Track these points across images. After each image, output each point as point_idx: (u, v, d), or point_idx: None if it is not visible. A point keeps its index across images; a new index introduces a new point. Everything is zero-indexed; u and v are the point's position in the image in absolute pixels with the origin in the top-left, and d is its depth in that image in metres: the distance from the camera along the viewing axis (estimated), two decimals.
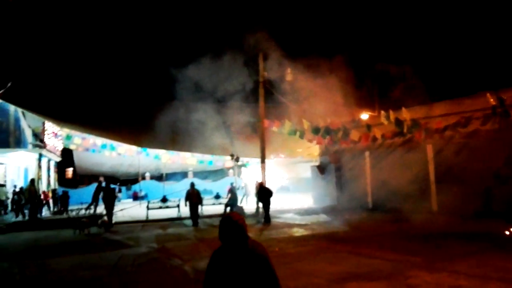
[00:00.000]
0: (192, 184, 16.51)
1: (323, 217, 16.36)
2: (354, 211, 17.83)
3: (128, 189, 40.12)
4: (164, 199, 18.88)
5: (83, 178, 45.25)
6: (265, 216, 15.58)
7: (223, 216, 2.93)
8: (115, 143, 28.48)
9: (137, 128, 22.71)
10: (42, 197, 23.06)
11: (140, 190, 36.97)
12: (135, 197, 36.18)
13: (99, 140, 30.48)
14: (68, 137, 28.88)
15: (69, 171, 47.62)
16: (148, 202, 18.66)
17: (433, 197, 15.80)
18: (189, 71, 21.82)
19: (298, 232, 12.49)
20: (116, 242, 11.67)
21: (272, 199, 16.10)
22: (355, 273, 6.96)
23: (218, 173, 43.16)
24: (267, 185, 16.50)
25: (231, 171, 42.28)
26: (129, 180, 41.28)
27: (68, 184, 41.46)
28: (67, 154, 36.26)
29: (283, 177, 38.26)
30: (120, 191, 37.80)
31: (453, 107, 15.39)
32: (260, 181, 18.96)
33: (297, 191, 34.21)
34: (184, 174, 43.37)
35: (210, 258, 2.87)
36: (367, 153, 18.40)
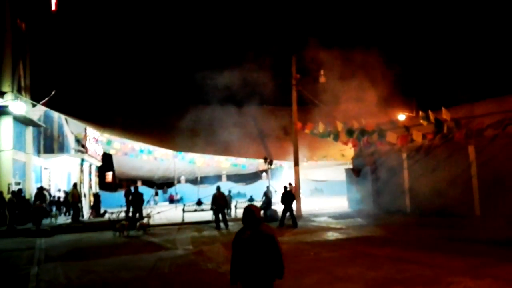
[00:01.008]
0: (218, 188, 16.66)
1: (358, 221, 16.03)
2: (391, 215, 17.37)
3: (165, 192, 41.15)
4: (199, 202, 19.17)
5: (122, 181, 46.70)
6: (292, 221, 15.52)
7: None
8: (152, 147, 29.27)
9: (173, 132, 23.23)
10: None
11: (176, 194, 37.77)
12: (171, 200, 36.98)
13: (137, 145, 31.46)
14: (108, 142, 29.99)
15: (109, 175, 49.34)
16: (184, 205, 19.01)
17: (476, 201, 15.10)
18: (222, 74, 22.17)
19: (333, 236, 12.30)
20: (154, 244, 11.96)
21: (300, 203, 15.79)
22: (394, 278, 6.76)
23: (252, 177, 43.31)
24: (289, 190, 16.35)
25: (264, 174, 42.39)
26: (166, 184, 42.25)
27: (107, 187, 43.02)
28: (107, 159, 37.71)
29: (317, 180, 37.94)
30: (157, 194, 38.87)
31: (496, 105, 14.67)
32: (288, 184, 18.89)
33: (332, 194, 33.77)
34: (218, 178, 43.85)
35: (235, 235, 4.05)
36: (404, 155, 17.84)
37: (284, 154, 24.73)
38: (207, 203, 19.49)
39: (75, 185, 19.92)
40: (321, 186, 38.51)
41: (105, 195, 30.09)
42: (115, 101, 22.58)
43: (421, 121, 12.82)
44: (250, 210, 4.04)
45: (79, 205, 19.34)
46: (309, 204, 27.40)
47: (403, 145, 15.21)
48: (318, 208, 22.75)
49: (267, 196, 18.18)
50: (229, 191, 21.54)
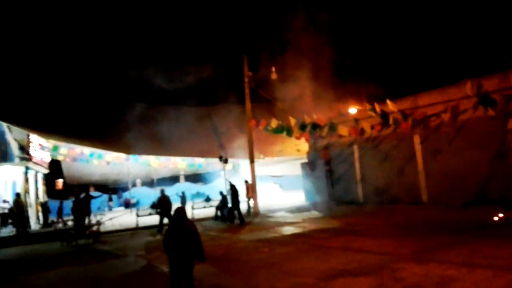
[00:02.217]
0: (162, 191, 16.28)
1: (314, 214, 16.27)
2: (345, 206, 17.81)
3: (119, 197, 39.63)
4: (153, 205, 18.62)
5: (73, 188, 44.60)
6: (239, 218, 15.63)
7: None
8: (102, 151, 28.13)
9: (123, 134, 22.42)
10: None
11: (132, 197, 36.63)
12: (127, 204, 35.80)
13: (86, 150, 30.12)
14: (55, 148, 28.47)
15: (59, 182, 47.00)
16: (137, 209, 18.40)
17: (422, 188, 15.80)
18: (174, 74, 21.65)
19: (288, 230, 12.36)
20: (104, 253, 11.43)
21: (257, 200, 15.77)
22: (344, 269, 6.84)
23: (210, 176, 42.86)
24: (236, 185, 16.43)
25: (222, 173, 42.16)
26: (120, 188, 40.86)
27: (58, 195, 40.93)
28: (55, 166, 35.83)
29: (276, 176, 38.23)
30: (111, 199, 37.41)
31: (439, 96, 15.39)
32: (244, 182, 18.90)
33: (290, 189, 34.20)
34: (175, 179, 43.07)
35: (166, 230, 5.44)
36: (355, 147, 18.34)
37: (241, 151, 24.66)
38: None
39: (17, 194, 18.71)
40: (280, 181, 38.90)
41: (55, 203, 28.70)
42: (58, 104, 21.39)
43: (368, 112, 13.18)
44: (179, 210, 5.47)
45: (25, 215, 18.16)
46: (268, 200, 27.59)
47: (353, 137, 15.60)
48: (276, 203, 22.90)
49: (223, 195, 17.99)
50: (183, 193, 21.19)
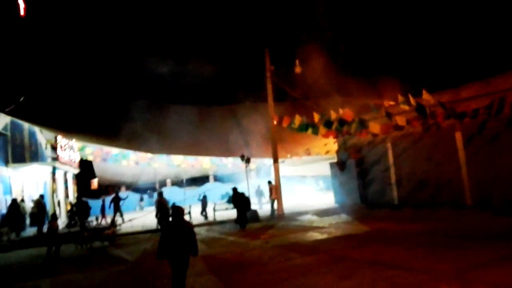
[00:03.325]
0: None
1: (343, 218, 14.97)
2: (378, 209, 16.38)
3: (151, 196, 39.66)
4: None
5: (108, 188, 45.21)
6: (241, 221, 14.84)
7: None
8: (128, 151, 27.98)
9: (145, 134, 21.99)
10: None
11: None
12: (174, 203, 35.70)
13: (114, 150, 30.20)
14: (82, 148, 28.68)
15: (95, 182, 47.94)
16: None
17: (466, 190, 14.14)
18: (196, 73, 20.97)
19: (312, 236, 11.20)
20: (113, 258, 10.76)
21: (282, 201, 14.76)
22: None
23: (240, 176, 42.09)
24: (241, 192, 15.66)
25: (253, 173, 41.30)
26: (151, 188, 40.92)
27: (94, 195, 41.63)
28: (87, 166, 36.36)
29: (306, 176, 36.87)
30: (142, 199, 37.53)
31: (483, 87, 13.72)
32: (268, 182, 17.88)
33: (320, 189, 32.80)
34: (205, 179, 42.71)
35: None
36: (388, 145, 16.84)
37: (268, 151, 23.65)
38: (185, 206, 18.34)
39: (41, 196, 18.64)
40: (311, 181, 37.51)
41: (96, 202, 29.08)
42: (82, 105, 21.25)
43: (401, 106, 11.78)
44: (177, 209, 5.85)
45: (45, 216, 18.04)
46: (296, 201, 26.42)
47: (386, 134, 14.16)
48: (305, 205, 21.71)
49: (245, 197, 17.03)
50: (204, 196, 20.40)
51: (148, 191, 39.92)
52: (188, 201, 30.06)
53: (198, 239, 13.58)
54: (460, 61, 15.74)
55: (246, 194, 17.66)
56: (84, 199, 28.20)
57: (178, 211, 5.78)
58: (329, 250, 8.89)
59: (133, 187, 40.99)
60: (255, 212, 16.69)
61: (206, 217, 19.45)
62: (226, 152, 26.23)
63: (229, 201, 19.51)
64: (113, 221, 16.15)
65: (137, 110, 21.99)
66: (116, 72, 20.35)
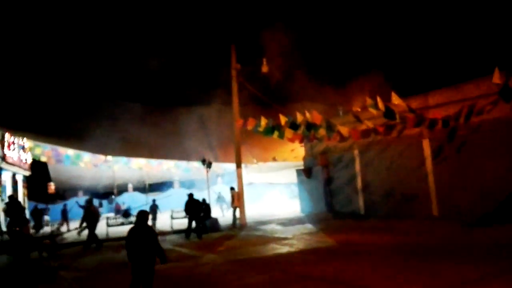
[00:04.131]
0: (90, 201, 14.32)
1: (307, 228, 14.13)
2: (344, 219, 15.68)
3: (110, 202, 37.53)
4: (126, 214, 16.62)
5: (65, 192, 42.67)
6: (197, 231, 13.99)
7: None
8: (84, 152, 26.19)
9: (101, 135, 20.48)
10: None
11: (123, 203, 34.67)
12: (118, 211, 33.86)
13: (70, 151, 28.31)
14: (34, 148, 26.63)
15: (52, 185, 45.24)
16: (107, 218, 16.34)
17: (433, 201, 13.65)
18: (158, 71, 19.76)
19: (272, 250, 10.24)
20: (41, 273, 9.36)
21: (244, 209, 13.77)
22: None
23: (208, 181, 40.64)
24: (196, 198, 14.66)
25: (219, 178, 40.06)
26: (111, 193, 38.85)
27: (52, 199, 39.08)
28: (40, 168, 34.02)
29: (274, 183, 36.05)
30: (101, 205, 35.43)
31: (453, 94, 13.33)
32: (230, 189, 16.87)
33: (288, 197, 32.01)
34: (170, 184, 41.04)
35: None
36: (356, 152, 16.22)
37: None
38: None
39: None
40: (279, 189, 36.72)
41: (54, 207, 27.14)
42: (34, 102, 19.54)
43: (370, 109, 11.13)
44: (142, 213, 5.83)
45: None
46: (261, 209, 25.47)
47: (354, 140, 13.47)
48: (270, 213, 20.79)
49: (205, 204, 15.93)
50: (153, 201, 19.16)
51: (111, 196, 37.86)
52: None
53: None
54: (429, 66, 15.42)
55: (207, 201, 16.57)
56: (40, 205, 26.28)
57: (143, 215, 5.77)
58: (288, 266, 7.94)
59: (91, 192, 38.89)
60: (215, 220, 15.59)
61: (154, 225, 18.24)
62: (190, 156, 25.02)
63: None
64: (58, 229, 14.65)
65: (94, 109, 20.49)
66: (72, 69, 18.87)
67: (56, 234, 13.52)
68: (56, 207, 28.15)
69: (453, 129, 12.82)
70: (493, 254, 7.49)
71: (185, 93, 21.06)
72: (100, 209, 34.85)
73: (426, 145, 13.86)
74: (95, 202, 35.07)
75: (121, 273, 8.79)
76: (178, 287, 7.01)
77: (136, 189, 39.63)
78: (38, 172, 35.16)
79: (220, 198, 23.10)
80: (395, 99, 10.45)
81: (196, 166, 35.19)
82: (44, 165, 33.29)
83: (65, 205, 23.14)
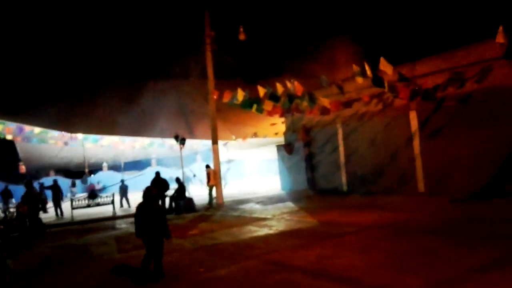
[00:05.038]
0: (30, 182, 12.86)
1: (288, 206, 13.29)
2: (326, 196, 14.92)
3: (84, 182, 35.94)
4: (92, 195, 15.40)
5: (39, 172, 40.75)
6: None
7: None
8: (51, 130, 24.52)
9: (68, 110, 18.92)
10: None
11: (98, 183, 33.27)
12: (92, 191, 32.48)
13: (37, 128, 26.52)
14: None
15: (23, 166, 43.23)
16: (72, 199, 15.10)
17: (418, 176, 12.95)
18: (131, 41, 18.15)
19: (249, 232, 9.32)
20: None
21: (221, 188, 12.87)
22: None
23: (187, 158, 39.41)
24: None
25: (198, 156, 38.87)
26: (84, 172, 37.20)
27: (22, 179, 37.18)
28: (7, 146, 32.15)
29: (252, 160, 35.16)
30: (74, 185, 33.95)
31: (442, 62, 12.44)
32: (206, 166, 15.86)
33: (267, 175, 31.22)
34: (147, 163, 39.64)
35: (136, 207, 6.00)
36: (338, 126, 15.32)
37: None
38: (107, 195, 15.90)
39: None
40: (258, 166, 35.89)
41: (18, 189, 25.42)
42: None
43: (356, 78, 10.14)
44: (149, 190, 6.01)
45: None
46: (240, 187, 24.64)
47: (335, 111, 12.51)
48: (248, 192, 19.93)
49: (179, 182, 14.88)
50: (122, 181, 18.08)
51: (84, 176, 36.24)
52: (131, 187, 27.35)
53: (113, 235, 11.44)
54: (416, 32, 14.41)
55: (181, 180, 15.51)
56: (11, 186, 24.61)
57: (149, 192, 5.94)
58: (266, 253, 7.01)
59: (64, 171, 37.25)
60: (189, 200, 14.57)
61: (122, 205, 17.21)
62: (164, 133, 23.69)
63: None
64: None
65: (61, 84, 18.82)
66: (35, 40, 17.09)
67: (10, 218, 12.20)
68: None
69: (442, 100, 12.04)
70: (494, 234, 6.74)
71: (158, 66, 19.60)
72: (73, 189, 33.47)
73: (413, 117, 13.02)
74: (67, 181, 33.75)
75: (75, 263, 7.76)
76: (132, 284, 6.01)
77: (111, 168, 38.19)
78: (4, 151, 33.26)
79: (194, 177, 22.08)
80: (384, 65, 9.44)
81: (173, 143, 33.91)
82: (11, 144, 31.45)
83: (41, 185, 21.58)
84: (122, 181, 17.96)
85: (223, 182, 23.34)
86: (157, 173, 13.85)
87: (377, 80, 10.03)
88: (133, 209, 15.99)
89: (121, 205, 17.37)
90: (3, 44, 15.92)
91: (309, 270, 5.66)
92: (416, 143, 13.02)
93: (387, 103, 13.34)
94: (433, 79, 12.25)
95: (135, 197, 16.77)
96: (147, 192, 5.93)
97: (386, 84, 10.16)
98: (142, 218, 5.80)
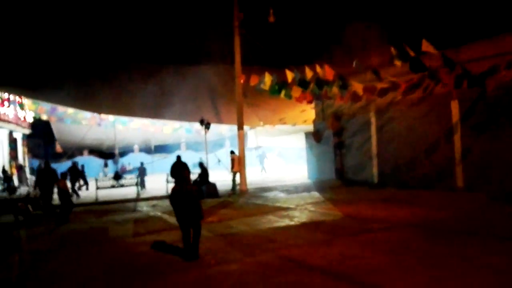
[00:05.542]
0: (46, 163, 12.45)
1: (314, 196, 12.70)
2: (355, 187, 14.19)
3: (116, 162, 36.65)
4: (116, 176, 15.38)
5: (74, 151, 41.97)
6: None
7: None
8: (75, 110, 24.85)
9: (96, 91, 18.99)
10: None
11: (129, 164, 33.86)
12: (123, 171, 33.12)
13: (71, 109, 27.06)
14: (32, 106, 25.47)
15: (59, 145, 44.69)
16: (96, 180, 15.13)
17: (458, 170, 11.98)
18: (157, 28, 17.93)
19: (269, 222, 8.83)
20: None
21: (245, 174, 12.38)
22: None
23: (214, 144, 39.34)
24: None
25: (227, 141, 38.66)
26: (118, 154, 37.87)
27: (60, 158, 38.49)
28: (43, 126, 33.18)
29: (283, 147, 34.52)
30: (106, 165, 34.72)
31: (489, 47, 11.29)
32: (230, 152, 15.40)
33: (296, 162, 30.56)
34: (177, 146, 39.92)
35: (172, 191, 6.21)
36: (372, 114, 14.44)
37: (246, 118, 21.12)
38: (131, 177, 15.85)
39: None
40: (287, 153, 35.24)
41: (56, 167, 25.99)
42: (29, 58, 18.03)
43: (395, 60, 9.26)
44: (180, 173, 6.26)
45: None
46: (267, 174, 24.19)
47: (370, 98, 11.67)
48: (274, 179, 19.43)
49: (203, 167, 14.56)
50: (141, 163, 17.89)
51: (116, 157, 36.95)
52: (156, 169, 27.45)
53: (134, 218, 11.31)
54: (460, 15, 13.22)
55: (205, 165, 15.22)
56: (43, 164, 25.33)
57: (182, 175, 6.18)
58: (283, 246, 6.51)
59: (98, 151, 38.12)
60: (213, 186, 14.24)
61: (142, 187, 16.97)
62: (192, 117, 23.47)
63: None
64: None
65: (91, 67, 18.91)
66: (67, 26, 17.17)
67: (33, 196, 12.30)
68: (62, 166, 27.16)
69: (485, 89, 10.96)
70: None
71: (188, 50, 19.28)
72: (105, 169, 34.19)
73: (454, 106, 11.98)
74: (100, 162, 34.51)
75: (89, 245, 7.57)
76: (142, 271, 5.67)
77: (142, 150, 38.72)
78: (41, 131, 34.32)
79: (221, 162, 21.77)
80: (426, 47, 8.52)
81: (200, 128, 33.78)
82: (47, 124, 32.42)
83: (74, 164, 21.87)
84: (142, 163, 17.87)
85: (260, 167, 23.03)
86: (178, 157, 13.55)
87: (417, 64, 9.13)
88: (149, 191, 16.07)
89: (141, 187, 17.26)
90: (33, 23, 16.06)
91: (329, 271, 5.10)
92: (457, 135, 12.02)
93: (426, 91, 12.35)
94: (478, 66, 11.18)
95: (160, 179, 16.73)
96: (179, 176, 6.16)
97: (427, 69, 9.23)
98: (178, 201, 5.97)
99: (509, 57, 10.77)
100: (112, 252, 6.98)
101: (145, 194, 15.64)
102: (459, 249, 5.73)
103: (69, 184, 15.86)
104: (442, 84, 10.15)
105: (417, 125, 13.03)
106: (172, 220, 9.49)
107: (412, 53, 8.95)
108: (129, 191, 15.13)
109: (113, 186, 14.67)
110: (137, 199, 14.11)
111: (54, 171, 11.81)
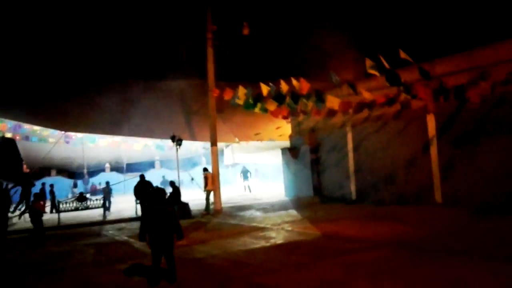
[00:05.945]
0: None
1: (291, 214, 12.16)
2: (333, 205, 13.78)
3: (85, 183, 35.16)
4: (81, 197, 14.41)
5: (43, 171, 40.04)
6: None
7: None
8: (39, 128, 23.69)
9: (64, 108, 18.03)
10: None
11: (99, 184, 32.51)
12: (94, 191, 31.74)
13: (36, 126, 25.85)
14: None
15: (25, 165, 42.58)
16: (58, 202, 14.10)
17: (436, 185, 11.76)
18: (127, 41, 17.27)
19: (243, 244, 8.21)
20: None
21: (219, 193, 11.79)
22: None
23: (189, 162, 38.36)
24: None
25: (203, 158, 37.90)
26: (88, 173, 36.42)
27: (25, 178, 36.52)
28: (8, 145, 31.54)
29: (260, 164, 34.06)
30: (75, 185, 33.24)
31: (464, 61, 11.29)
32: (203, 170, 14.78)
33: (273, 180, 30.10)
34: (150, 164, 38.78)
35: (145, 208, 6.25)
36: (348, 129, 14.19)
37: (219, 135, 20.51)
38: (96, 198, 14.88)
39: None
40: (266, 170, 34.78)
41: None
42: None
43: (370, 71, 9.03)
44: (159, 191, 5.79)
45: None
46: (243, 192, 23.56)
47: (343, 110, 11.35)
48: (251, 197, 18.84)
49: (174, 186, 13.83)
50: (107, 183, 16.94)
51: (85, 177, 35.50)
52: (128, 189, 26.28)
53: (95, 243, 10.45)
54: (435, 29, 13.28)
55: (177, 184, 14.49)
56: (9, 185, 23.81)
57: (160, 193, 5.77)
58: (257, 272, 5.91)
59: (67, 171, 36.60)
60: (185, 206, 13.51)
61: (106, 209, 15.92)
62: (165, 134, 22.73)
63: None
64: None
65: (59, 83, 17.99)
66: (30, 41, 16.31)
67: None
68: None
69: (463, 102, 10.86)
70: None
71: (159, 66, 18.67)
72: (75, 189, 32.64)
73: (430, 120, 11.86)
74: (69, 182, 32.98)
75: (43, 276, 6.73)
76: None
77: (114, 169, 37.37)
78: (5, 150, 32.62)
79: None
80: (404, 56, 8.29)
81: (172, 144, 32.91)
82: (11, 142, 30.84)
83: (43, 185, 20.68)
84: (107, 183, 16.92)
85: (244, 185, 22.30)
86: (141, 176, 12.86)
87: (393, 77, 8.91)
88: (117, 212, 15.12)
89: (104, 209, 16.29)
90: (2, 40, 15.16)
91: None
92: (434, 149, 11.85)
93: (402, 105, 12.19)
94: (454, 79, 11.09)
95: (130, 199, 15.81)
96: (158, 194, 5.75)
97: (402, 84, 9.02)
98: (153, 221, 5.40)
99: (483, 70, 10.76)
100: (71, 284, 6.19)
101: (112, 216, 14.69)
102: (443, 271, 5.28)
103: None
104: (418, 99, 9.96)
105: (394, 140, 12.83)
106: (138, 245, 8.74)
107: (387, 66, 8.72)
108: (96, 213, 14.19)
109: (76, 209, 13.69)
110: (103, 221, 13.19)
111: (7, 194, 10.83)
